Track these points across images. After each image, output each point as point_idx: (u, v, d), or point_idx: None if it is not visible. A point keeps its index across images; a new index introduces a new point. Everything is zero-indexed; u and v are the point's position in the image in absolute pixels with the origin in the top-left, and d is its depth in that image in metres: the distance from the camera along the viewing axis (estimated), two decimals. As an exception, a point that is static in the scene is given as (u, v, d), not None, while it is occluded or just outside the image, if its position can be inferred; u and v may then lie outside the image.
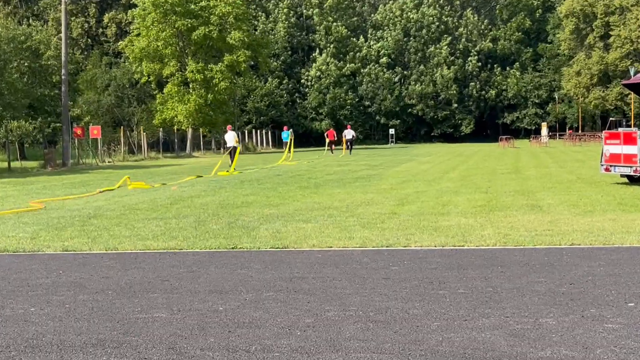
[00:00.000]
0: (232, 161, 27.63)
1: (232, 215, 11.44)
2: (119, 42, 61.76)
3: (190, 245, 8.60)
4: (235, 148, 28.23)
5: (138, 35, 53.98)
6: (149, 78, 54.42)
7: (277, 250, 8.19)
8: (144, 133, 49.93)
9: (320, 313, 5.22)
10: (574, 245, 8.01)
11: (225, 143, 30.61)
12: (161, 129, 54.15)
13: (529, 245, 8.02)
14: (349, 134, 46.44)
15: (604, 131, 17.58)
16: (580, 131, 71.20)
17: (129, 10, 64.52)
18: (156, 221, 10.95)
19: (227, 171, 25.25)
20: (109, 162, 40.96)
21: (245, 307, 5.47)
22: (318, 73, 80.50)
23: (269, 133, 71.21)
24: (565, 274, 6.45)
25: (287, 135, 39.38)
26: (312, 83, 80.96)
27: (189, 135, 55.20)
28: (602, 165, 16.05)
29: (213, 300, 5.74)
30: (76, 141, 39.54)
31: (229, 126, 33.19)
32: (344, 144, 46.45)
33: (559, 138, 68.69)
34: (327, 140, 45.93)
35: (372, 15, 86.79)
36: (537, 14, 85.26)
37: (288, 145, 37.02)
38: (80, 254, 8.26)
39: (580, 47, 74.11)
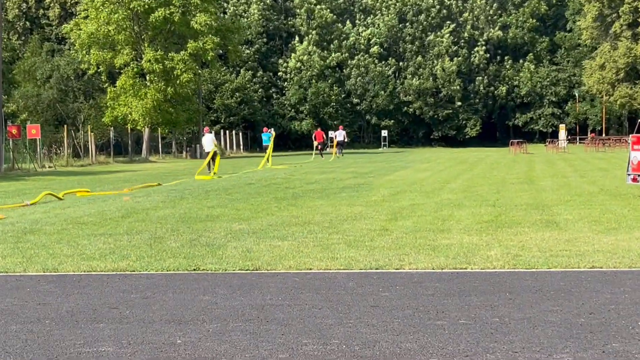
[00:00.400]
0: (212, 166, 28.91)
1: (195, 231, 11.41)
2: (63, 26, 61.57)
3: (145, 266, 8.56)
4: (215, 153, 29.11)
5: (86, 17, 53.82)
6: (98, 68, 54.24)
7: (247, 272, 8.17)
8: (92, 133, 49.72)
9: (296, 347, 5.21)
10: (595, 268, 8.06)
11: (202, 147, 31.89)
12: (112, 129, 53.95)
13: (542, 268, 8.06)
14: (340, 135, 46.80)
15: (631, 135, 17.72)
16: (604, 135, 71.88)
17: (76, -12, 64.35)
18: (104, 237, 10.90)
19: (210, 173, 27.10)
20: (49, 167, 40.74)
21: (208, 339, 5.45)
22: (298, 64, 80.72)
23: (240, 134, 71.22)
24: (585, 301, 6.49)
25: (268, 137, 39.76)
26: (292, 76, 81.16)
27: (145, 137, 55.05)
28: (629, 174, 16.20)
29: (170, 331, 5.71)
30: (11, 142, 39.27)
31: (206, 128, 33.38)
32: (335, 147, 46.83)
33: (580, 142, 69.30)
34: (315, 143, 46.30)
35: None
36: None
37: (269, 149, 37.20)
38: (13, 276, 8.20)
39: (605, 36, 74.89)
